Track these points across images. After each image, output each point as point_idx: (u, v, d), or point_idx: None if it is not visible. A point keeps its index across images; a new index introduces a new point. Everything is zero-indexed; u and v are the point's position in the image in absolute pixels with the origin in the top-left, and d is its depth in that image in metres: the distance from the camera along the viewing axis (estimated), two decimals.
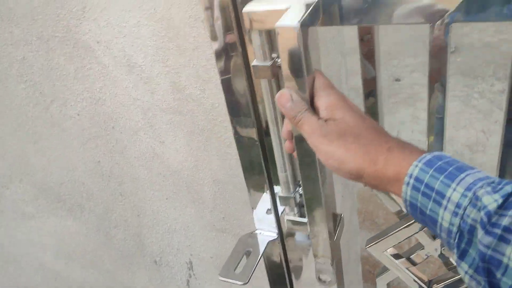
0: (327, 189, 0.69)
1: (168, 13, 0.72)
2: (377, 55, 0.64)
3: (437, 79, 0.59)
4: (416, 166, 0.44)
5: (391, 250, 0.79)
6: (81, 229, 1.22)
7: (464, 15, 0.50)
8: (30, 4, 0.79)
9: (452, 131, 2.86)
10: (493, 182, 0.41)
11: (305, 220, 0.75)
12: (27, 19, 0.82)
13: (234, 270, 0.75)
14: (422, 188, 0.43)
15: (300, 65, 0.49)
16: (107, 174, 1.03)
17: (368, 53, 0.63)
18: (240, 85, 0.63)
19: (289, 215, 0.77)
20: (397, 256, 0.78)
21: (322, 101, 0.50)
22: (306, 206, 0.68)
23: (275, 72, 0.58)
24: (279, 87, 0.61)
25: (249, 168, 0.72)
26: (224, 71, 0.63)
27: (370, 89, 0.67)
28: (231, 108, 0.66)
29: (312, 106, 0.51)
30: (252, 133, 0.68)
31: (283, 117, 0.63)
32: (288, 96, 0.50)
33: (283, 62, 0.50)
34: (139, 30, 0.76)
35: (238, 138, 0.69)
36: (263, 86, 0.61)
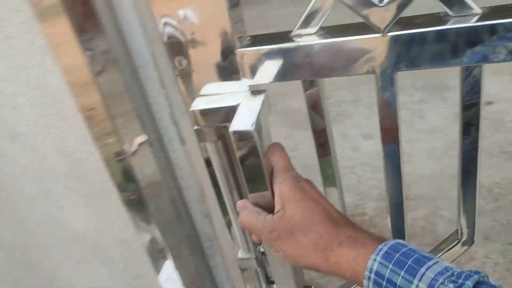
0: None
1: (44, 81, 0.70)
2: (325, 106, 0.62)
3: (388, 126, 0.58)
4: (375, 260, 0.44)
5: None
6: None
7: (407, 66, 0.50)
8: None
9: (379, 145, 2.98)
10: (452, 275, 0.41)
11: None
12: None
13: None
14: (384, 283, 0.43)
15: (257, 159, 0.50)
16: (9, 246, 0.97)
17: (315, 105, 0.62)
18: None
19: None
20: None
21: (276, 188, 0.51)
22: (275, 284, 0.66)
23: (220, 133, 0.56)
24: (226, 148, 0.59)
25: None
26: None
27: (322, 141, 0.66)
28: (112, 175, 0.64)
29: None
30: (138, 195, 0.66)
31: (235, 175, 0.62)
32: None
33: (241, 159, 0.50)
34: (16, 99, 0.73)
35: (125, 202, 0.67)
36: (209, 149, 0.59)
